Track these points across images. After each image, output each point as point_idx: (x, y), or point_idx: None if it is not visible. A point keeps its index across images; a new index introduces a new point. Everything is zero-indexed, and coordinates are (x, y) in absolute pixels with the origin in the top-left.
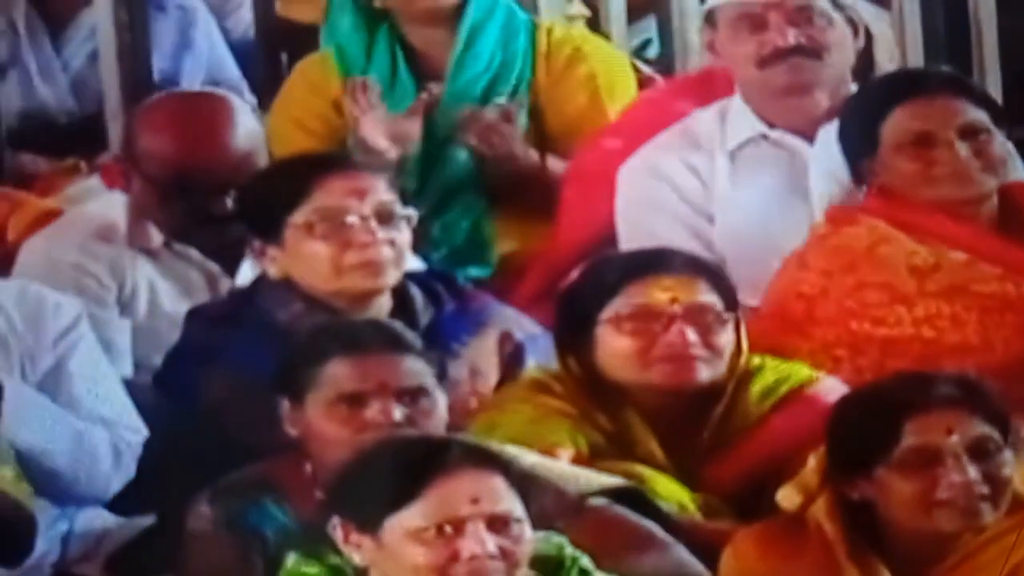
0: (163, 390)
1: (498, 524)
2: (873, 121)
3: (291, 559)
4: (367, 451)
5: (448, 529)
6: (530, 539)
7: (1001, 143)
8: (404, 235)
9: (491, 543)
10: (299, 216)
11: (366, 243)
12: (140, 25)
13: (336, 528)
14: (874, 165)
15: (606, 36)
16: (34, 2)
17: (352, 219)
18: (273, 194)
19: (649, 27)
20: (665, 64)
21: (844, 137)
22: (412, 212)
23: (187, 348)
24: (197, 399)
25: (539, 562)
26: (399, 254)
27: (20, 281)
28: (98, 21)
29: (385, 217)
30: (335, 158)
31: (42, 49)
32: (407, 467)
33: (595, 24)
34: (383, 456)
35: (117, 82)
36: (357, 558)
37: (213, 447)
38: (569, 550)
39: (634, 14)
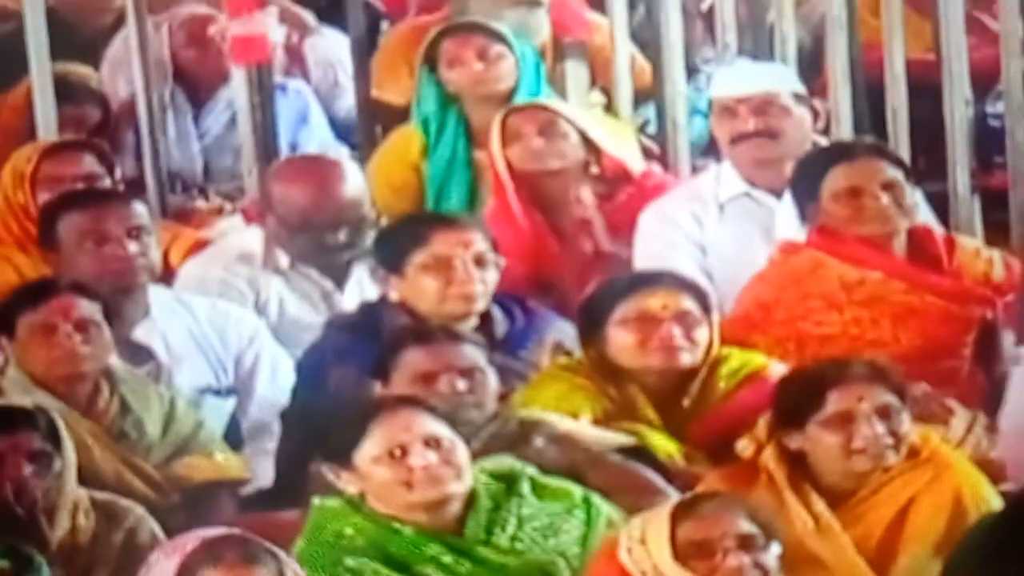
0: (300, 376)
1: (432, 443)
2: (817, 177)
3: (316, 500)
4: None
5: (397, 452)
6: (464, 451)
7: (911, 193)
8: (493, 275)
9: (432, 455)
10: (418, 257)
11: (465, 281)
12: (267, 103)
13: (330, 473)
14: (816, 210)
15: (617, 116)
16: (180, 81)
17: (457, 263)
18: (401, 239)
19: (649, 111)
20: (660, 138)
21: (795, 189)
22: (502, 259)
23: (324, 346)
24: (325, 385)
25: (499, 477)
26: (488, 289)
27: (211, 299)
28: (235, 99)
29: (481, 262)
30: (449, 216)
31: (184, 118)
32: (358, 416)
33: (609, 108)
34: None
35: (252, 145)
36: (352, 489)
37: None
38: (519, 465)
39: (638, 101)
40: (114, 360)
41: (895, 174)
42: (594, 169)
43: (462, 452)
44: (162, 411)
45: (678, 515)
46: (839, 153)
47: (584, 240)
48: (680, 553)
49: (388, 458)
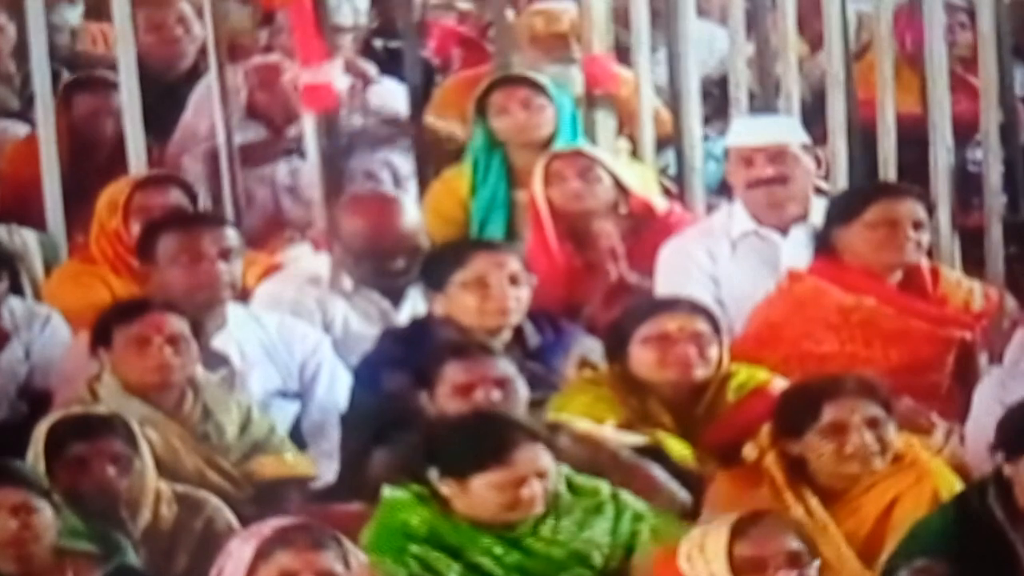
0: (356, 382)
1: (544, 478)
2: (859, 208)
3: (386, 490)
4: (457, 424)
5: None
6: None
7: (928, 233)
8: (526, 292)
9: (540, 488)
10: (459, 276)
11: (500, 298)
12: (334, 144)
13: (433, 473)
14: (837, 235)
15: (640, 160)
16: (254, 122)
17: (493, 281)
18: (445, 261)
19: (669, 156)
20: (679, 180)
21: (831, 211)
22: (533, 278)
23: (378, 355)
24: (379, 390)
25: (577, 489)
26: (521, 306)
27: (280, 314)
28: (306, 141)
29: (515, 281)
30: (485, 241)
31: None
32: (490, 441)
33: (634, 153)
34: (471, 429)
35: (320, 182)
36: (445, 490)
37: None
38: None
39: (660, 147)
40: (199, 371)
41: (923, 216)
42: (623, 209)
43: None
44: (240, 416)
45: (736, 532)
46: (880, 192)
47: (610, 269)
48: (735, 567)
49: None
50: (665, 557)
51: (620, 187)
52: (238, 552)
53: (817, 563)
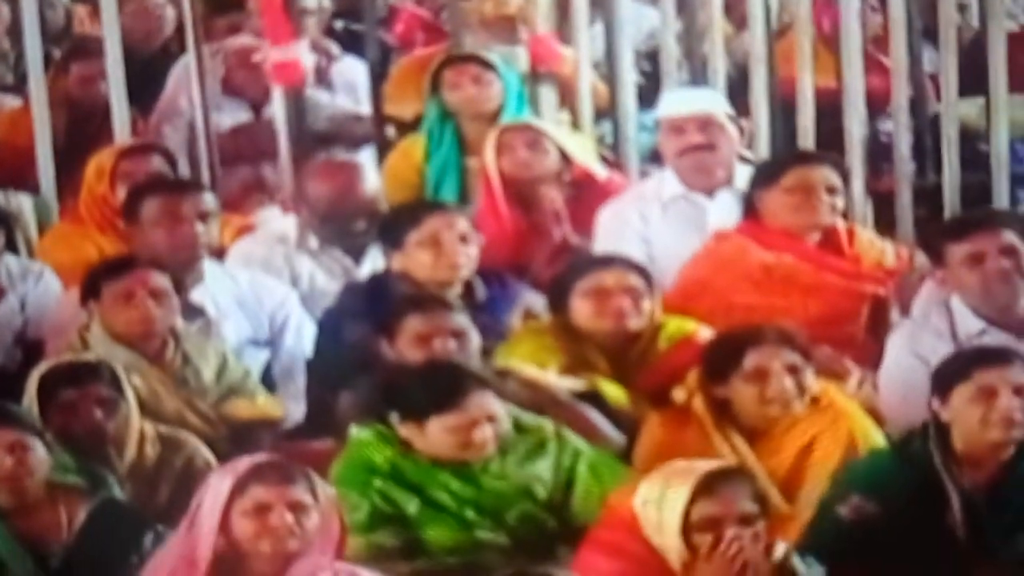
0: (320, 332)
1: (494, 421)
2: (777, 173)
3: (353, 430)
4: (415, 373)
5: (465, 425)
6: (506, 421)
7: (842, 198)
8: (475, 250)
9: (491, 431)
10: (414, 236)
11: (451, 254)
12: (301, 116)
13: (394, 416)
14: (763, 198)
15: (580, 130)
16: (229, 97)
17: (445, 239)
18: (401, 221)
19: (606, 127)
20: (615, 148)
21: (755, 178)
22: (482, 237)
23: (341, 307)
24: (341, 339)
25: (522, 428)
26: (471, 262)
27: (252, 271)
28: (275, 112)
29: (464, 239)
30: (438, 203)
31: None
32: (445, 388)
33: (574, 124)
34: (427, 377)
35: (287, 150)
36: (404, 432)
37: (352, 366)
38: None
39: (597, 118)
40: (179, 322)
41: (837, 181)
42: (566, 176)
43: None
44: (216, 363)
45: (697, 491)
46: (798, 159)
47: (554, 231)
48: (691, 523)
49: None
50: (621, 495)
51: (564, 157)
52: (216, 487)
53: (763, 524)
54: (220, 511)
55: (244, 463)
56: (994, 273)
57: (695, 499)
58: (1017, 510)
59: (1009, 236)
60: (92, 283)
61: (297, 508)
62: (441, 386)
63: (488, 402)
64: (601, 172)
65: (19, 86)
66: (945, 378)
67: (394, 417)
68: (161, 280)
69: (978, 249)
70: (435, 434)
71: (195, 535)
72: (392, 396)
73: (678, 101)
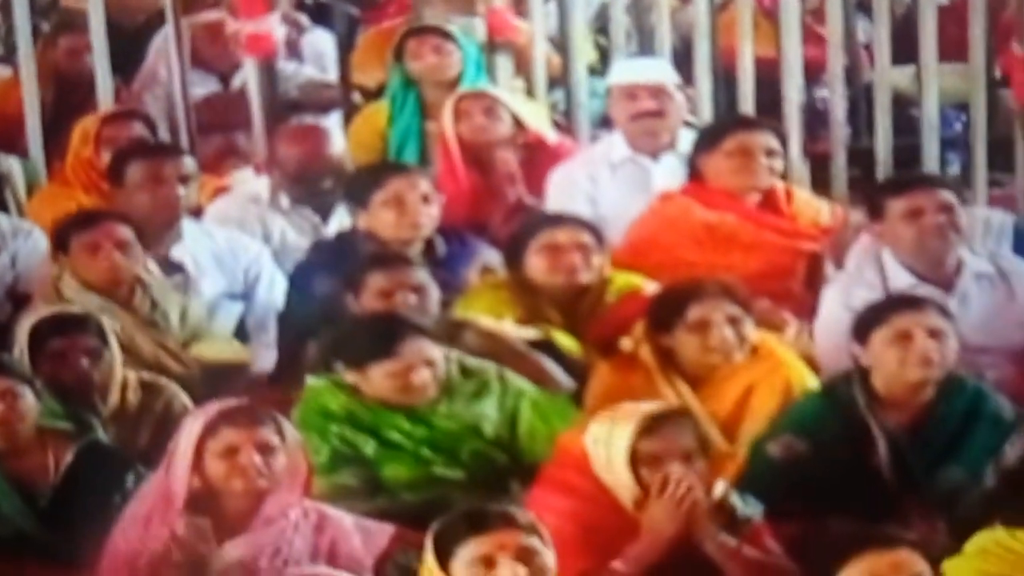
0: (291, 286)
1: (432, 365)
2: (718, 138)
3: (308, 379)
4: (355, 324)
5: (401, 370)
6: (443, 365)
7: (781, 160)
8: (435, 210)
9: (429, 375)
10: (378, 196)
11: (413, 213)
12: (272, 84)
13: (339, 365)
14: (705, 162)
15: (534, 98)
16: (203, 67)
17: (407, 199)
18: (366, 182)
19: (559, 94)
20: (567, 114)
21: (698, 143)
22: (442, 197)
23: (310, 263)
24: (311, 292)
25: (467, 371)
26: (432, 221)
27: (228, 229)
28: (248, 81)
29: (426, 199)
30: (401, 164)
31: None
32: (381, 337)
33: (528, 91)
34: (366, 327)
35: (260, 116)
36: (350, 379)
37: (319, 318)
38: (449, 353)
39: (551, 86)
40: (142, 270)
41: (775, 145)
42: (520, 140)
43: (442, 369)
44: (180, 306)
45: (642, 428)
46: (739, 124)
47: (509, 191)
48: (635, 457)
49: (400, 377)
50: (571, 436)
51: (518, 123)
52: (188, 430)
53: (704, 462)
54: (192, 452)
55: (214, 407)
56: (931, 228)
57: (640, 436)
58: (938, 448)
59: (946, 194)
60: (61, 237)
61: (265, 449)
62: (378, 335)
63: (423, 348)
64: (552, 136)
65: (9, 57)
66: (864, 324)
67: (338, 366)
68: (125, 232)
69: (917, 204)
70: (377, 380)
71: (171, 475)
72: (336, 347)
73: (630, 70)
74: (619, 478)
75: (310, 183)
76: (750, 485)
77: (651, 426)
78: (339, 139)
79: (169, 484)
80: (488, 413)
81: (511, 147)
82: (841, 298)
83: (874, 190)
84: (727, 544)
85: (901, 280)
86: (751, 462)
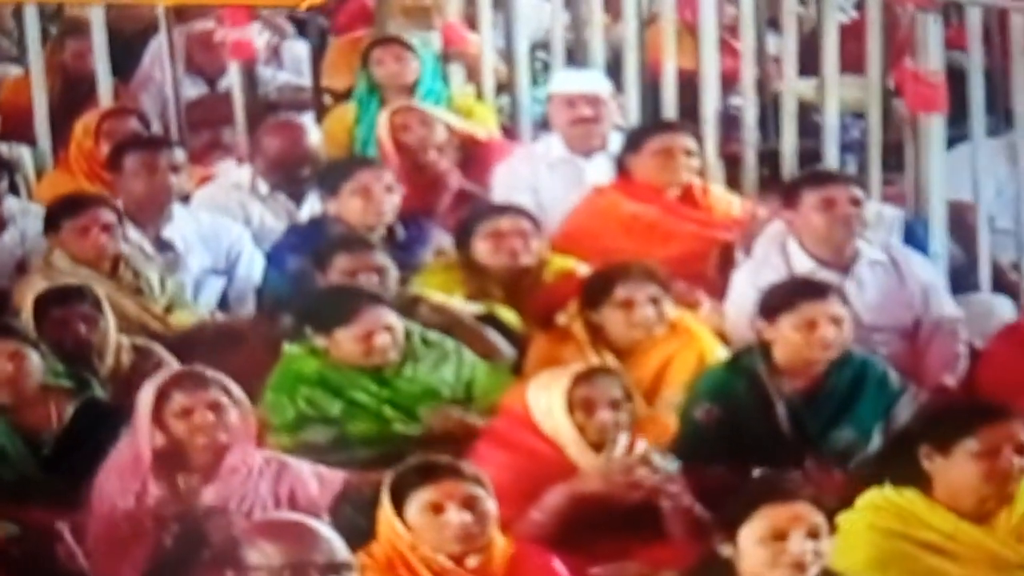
0: (269, 263)
1: (391, 330)
2: (642, 141)
3: (286, 346)
4: (322, 294)
5: (364, 335)
6: (401, 331)
7: (698, 159)
8: (397, 199)
9: (389, 338)
10: (347, 186)
11: (379, 203)
12: (253, 85)
13: (308, 330)
14: (633, 161)
15: (482, 100)
16: (194, 70)
17: (373, 190)
18: (336, 173)
19: (505, 99)
20: (512, 117)
21: (627, 144)
22: (402, 188)
23: (285, 244)
24: (285, 270)
25: (429, 343)
26: (394, 208)
27: (212, 212)
28: (232, 82)
29: (390, 190)
30: (369, 160)
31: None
32: (344, 304)
33: (478, 96)
34: (331, 297)
35: (243, 112)
36: (319, 343)
37: (292, 293)
38: (413, 326)
39: (498, 92)
40: (125, 246)
41: (693, 146)
42: (452, 142)
43: (401, 335)
44: (159, 276)
45: (576, 379)
46: (661, 128)
47: (441, 185)
48: (571, 403)
49: (363, 341)
50: (514, 395)
51: (449, 128)
52: (143, 396)
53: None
54: (149, 416)
55: (163, 375)
56: (840, 218)
57: (575, 384)
58: (830, 412)
59: (856, 190)
60: (53, 218)
61: (216, 408)
62: (342, 303)
63: (382, 314)
64: (483, 134)
65: (21, 58)
66: (772, 305)
67: (308, 331)
68: (109, 215)
69: (831, 196)
70: (343, 343)
71: (136, 436)
72: (306, 314)
73: (569, 80)
74: (557, 421)
75: (289, 170)
76: (682, 448)
77: (585, 376)
78: (315, 132)
79: (136, 444)
80: (446, 379)
81: (449, 148)
82: (749, 280)
83: (792, 181)
84: (680, 500)
85: (803, 265)
86: (681, 429)
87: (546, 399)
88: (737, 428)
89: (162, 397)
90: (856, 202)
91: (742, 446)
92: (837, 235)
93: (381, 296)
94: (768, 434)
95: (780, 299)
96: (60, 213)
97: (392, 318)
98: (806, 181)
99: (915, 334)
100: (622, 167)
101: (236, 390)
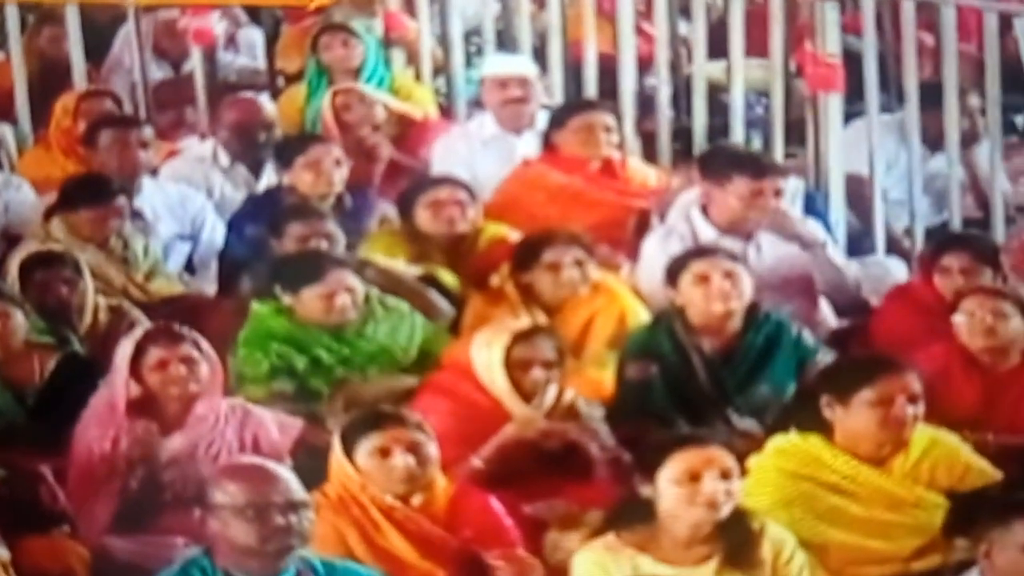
0: (230, 230)
1: (352, 291)
2: (566, 118)
3: (255, 304)
4: (290, 257)
5: (327, 294)
6: (361, 293)
7: (619, 134)
8: (344, 171)
9: (349, 299)
10: (300, 160)
11: (329, 174)
12: (213, 67)
13: (278, 288)
14: (559, 137)
15: (421, 82)
16: (155, 49)
17: (324, 162)
18: (290, 148)
19: (441, 81)
20: (448, 97)
21: (551, 122)
22: (350, 161)
23: (244, 213)
24: (244, 236)
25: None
26: (342, 179)
27: (178, 184)
28: (193, 64)
29: (338, 163)
30: (318, 136)
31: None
32: (309, 266)
33: (417, 78)
34: (299, 259)
35: (204, 91)
36: (286, 301)
37: (250, 257)
38: (373, 291)
39: (435, 74)
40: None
41: (613, 123)
42: (390, 120)
43: (360, 293)
44: (143, 246)
45: (515, 338)
46: (583, 106)
47: (374, 157)
48: (509, 361)
49: (326, 300)
50: (455, 348)
51: (387, 107)
52: (121, 350)
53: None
54: (126, 369)
55: (140, 331)
56: (760, 206)
57: (513, 344)
58: (747, 369)
59: (783, 182)
60: (71, 200)
61: (188, 361)
62: (310, 264)
63: (344, 276)
64: (417, 113)
65: (2, 43)
66: (672, 271)
67: (277, 289)
68: (122, 202)
69: (762, 188)
70: (308, 301)
71: (112, 388)
72: (276, 273)
73: (500, 63)
74: (495, 376)
75: (246, 139)
76: (621, 403)
77: (522, 336)
78: (270, 107)
79: (111, 394)
80: (400, 340)
81: (386, 126)
82: (660, 245)
83: (728, 159)
84: (608, 446)
85: (706, 233)
86: (618, 386)
87: (487, 355)
88: (663, 384)
89: (139, 351)
90: (779, 193)
91: (668, 400)
92: (750, 218)
93: (345, 260)
94: (691, 390)
95: (677, 264)
96: (79, 200)
97: (354, 281)
98: (743, 167)
99: (811, 289)
100: (548, 142)
101: (206, 345)
